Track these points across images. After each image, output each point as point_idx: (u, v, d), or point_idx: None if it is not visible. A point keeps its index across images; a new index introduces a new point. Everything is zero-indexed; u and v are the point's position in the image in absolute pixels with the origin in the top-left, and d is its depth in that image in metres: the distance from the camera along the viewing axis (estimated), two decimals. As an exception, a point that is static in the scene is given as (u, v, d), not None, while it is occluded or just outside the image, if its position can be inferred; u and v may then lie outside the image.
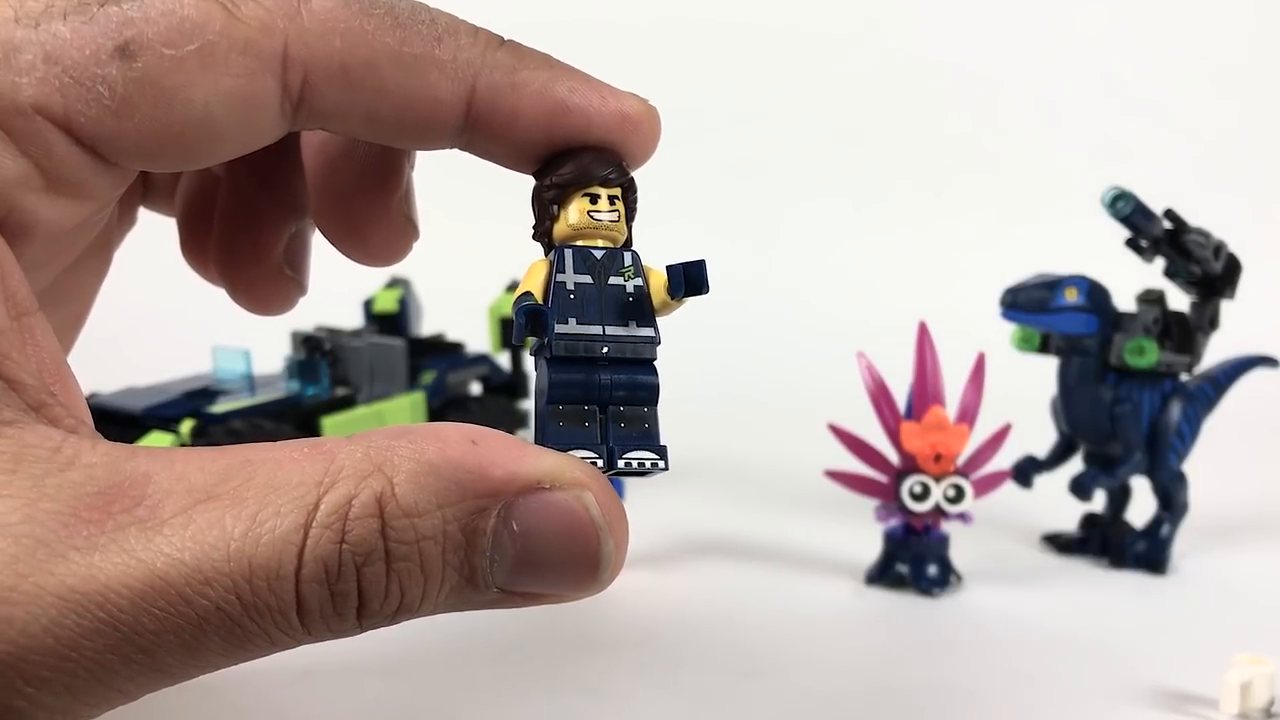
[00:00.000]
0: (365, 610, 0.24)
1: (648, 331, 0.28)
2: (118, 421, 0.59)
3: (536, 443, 0.27)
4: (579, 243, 0.29)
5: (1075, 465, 0.63)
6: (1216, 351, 0.62)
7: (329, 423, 0.65)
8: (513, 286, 0.79)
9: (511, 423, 0.75)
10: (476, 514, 0.24)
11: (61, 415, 0.25)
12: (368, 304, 0.76)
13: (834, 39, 1.42)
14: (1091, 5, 1.39)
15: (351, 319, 0.77)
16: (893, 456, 0.58)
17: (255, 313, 0.38)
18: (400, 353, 0.71)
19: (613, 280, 0.28)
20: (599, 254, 0.28)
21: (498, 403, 0.76)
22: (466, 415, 0.73)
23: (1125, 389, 0.60)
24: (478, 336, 0.77)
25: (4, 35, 0.24)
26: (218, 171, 0.37)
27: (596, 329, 0.28)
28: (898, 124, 1.38)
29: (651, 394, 0.28)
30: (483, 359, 0.77)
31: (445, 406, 0.73)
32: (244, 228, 0.37)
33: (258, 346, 0.68)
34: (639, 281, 0.28)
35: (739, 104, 1.42)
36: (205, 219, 0.37)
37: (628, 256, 0.29)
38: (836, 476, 0.60)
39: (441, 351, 0.75)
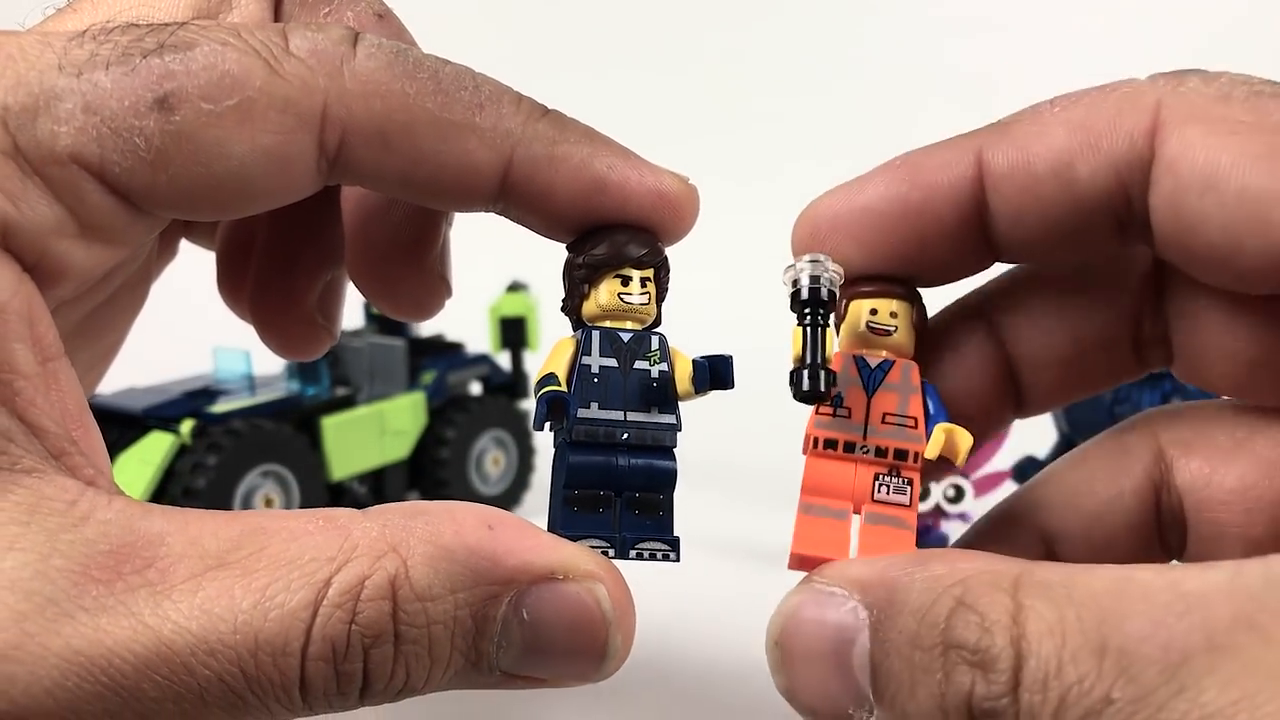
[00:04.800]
0: (369, 689, 0.24)
1: (669, 418, 0.28)
2: (118, 421, 0.59)
3: (549, 524, 0.27)
4: (607, 323, 0.28)
5: (1075, 465, 0.63)
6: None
7: (329, 423, 0.65)
8: (513, 287, 0.79)
9: (511, 422, 0.75)
10: (488, 600, 0.24)
11: (81, 464, 0.24)
12: (368, 304, 0.76)
13: (836, 44, 1.42)
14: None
15: (352, 319, 0.77)
16: (893, 456, 0.58)
17: (283, 356, 0.38)
18: (400, 353, 0.71)
19: (638, 364, 0.28)
20: (626, 337, 0.28)
21: (497, 403, 0.76)
22: (467, 415, 0.73)
23: (1124, 389, 0.60)
24: (478, 336, 0.77)
25: (47, 83, 0.24)
26: (259, 214, 0.37)
27: (618, 414, 0.28)
28: (901, 126, 1.38)
29: (668, 481, 0.28)
30: (483, 359, 0.77)
31: (445, 406, 0.73)
32: (279, 273, 0.36)
33: (258, 347, 0.68)
34: (664, 366, 0.28)
35: (746, 102, 1.42)
36: (244, 258, 0.37)
37: (654, 340, 0.28)
38: (836, 476, 0.60)
39: (441, 351, 0.75)
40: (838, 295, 0.28)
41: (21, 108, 0.24)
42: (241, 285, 0.37)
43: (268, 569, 0.23)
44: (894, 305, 0.29)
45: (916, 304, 0.30)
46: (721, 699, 0.46)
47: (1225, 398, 0.31)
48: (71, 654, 0.21)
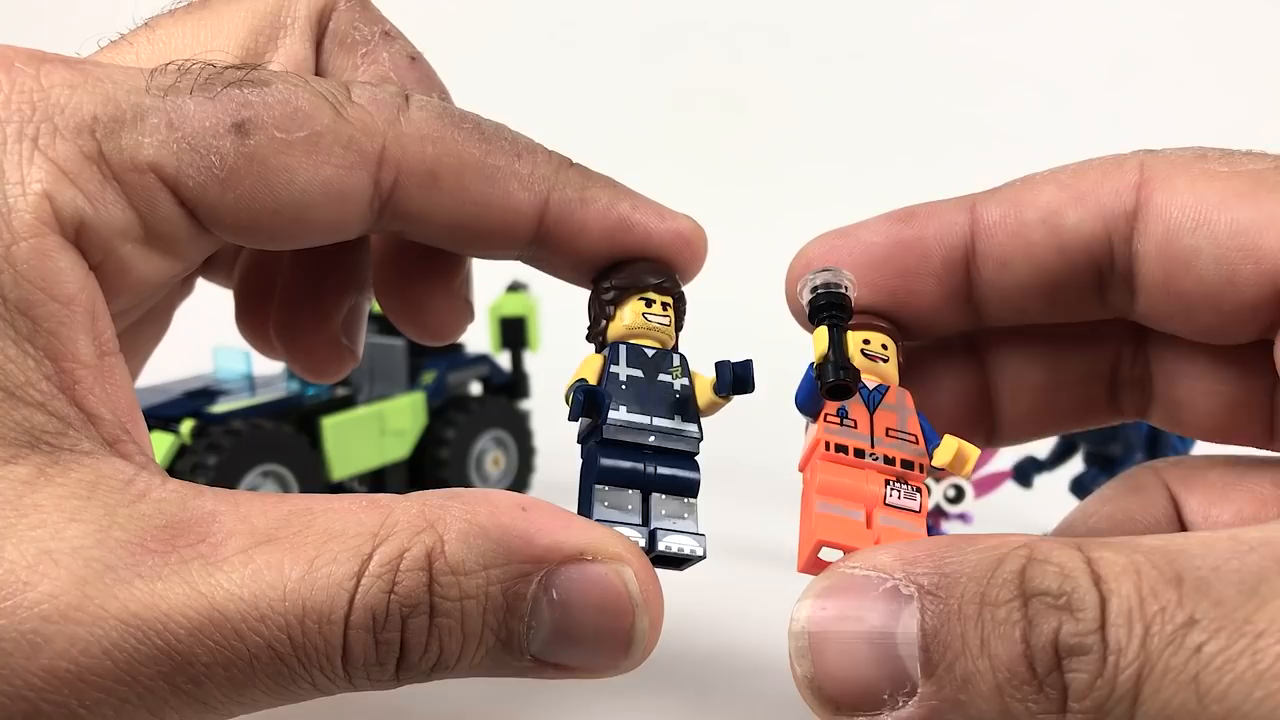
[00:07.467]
0: (405, 662, 0.25)
1: (692, 428, 0.30)
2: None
3: (579, 512, 0.28)
4: (632, 341, 0.30)
5: (1075, 465, 0.63)
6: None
7: (329, 423, 0.65)
8: (513, 287, 0.79)
9: (511, 423, 0.75)
10: (519, 579, 0.25)
11: (133, 451, 0.26)
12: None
13: (853, 63, 1.42)
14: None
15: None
16: (893, 456, 0.58)
17: (310, 379, 0.40)
18: (400, 353, 0.71)
19: (662, 377, 0.30)
20: (650, 352, 0.30)
21: (498, 403, 0.76)
22: (467, 415, 0.73)
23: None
24: (478, 336, 0.77)
25: (134, 100, 0.27)
26: (280, 254, 0.38)
27: (645, 419, 0.29)
28: (907, 131, 1.38)
29: (692, 488, 0.29)
30: (483, 359, 0.77)
31: (445, 406, 0.73)
32: (307, 299, 0.38)
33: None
34: (686, 381, 0.30)
35: (759, 103, 1.42)
36: (263, 293, 0.39)
37: (676, 358, 0.31)
38: (837, 476, 0.60)
39: (441, 351, 0.75)
40: (852, 302, 0.29)
41: (110, 118, 0.26)
42: (262, 319, 0.39)
43: (315, 542, 0.24)
44: (883, 339, 0.31)
45: (899, 344, 0.31)
46: (731, 703, 0.46)
47: (1210, 454, 0.33)
48: (129, 616, 0.22)
